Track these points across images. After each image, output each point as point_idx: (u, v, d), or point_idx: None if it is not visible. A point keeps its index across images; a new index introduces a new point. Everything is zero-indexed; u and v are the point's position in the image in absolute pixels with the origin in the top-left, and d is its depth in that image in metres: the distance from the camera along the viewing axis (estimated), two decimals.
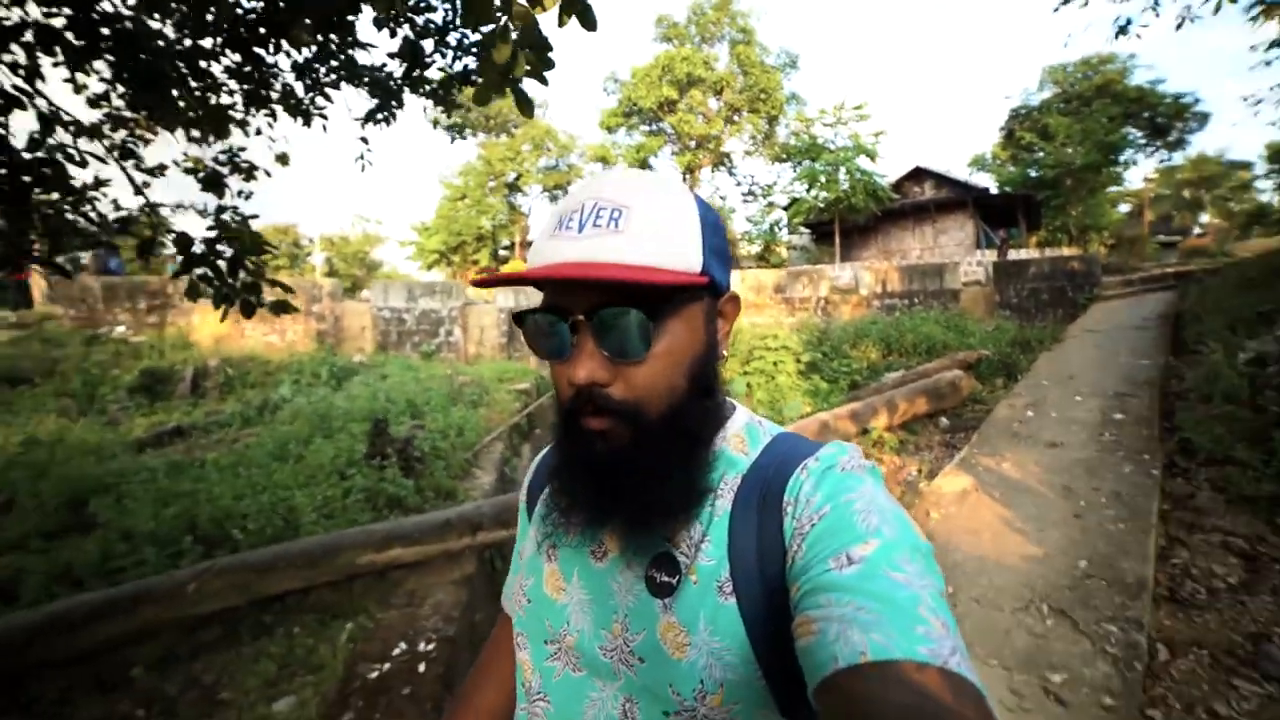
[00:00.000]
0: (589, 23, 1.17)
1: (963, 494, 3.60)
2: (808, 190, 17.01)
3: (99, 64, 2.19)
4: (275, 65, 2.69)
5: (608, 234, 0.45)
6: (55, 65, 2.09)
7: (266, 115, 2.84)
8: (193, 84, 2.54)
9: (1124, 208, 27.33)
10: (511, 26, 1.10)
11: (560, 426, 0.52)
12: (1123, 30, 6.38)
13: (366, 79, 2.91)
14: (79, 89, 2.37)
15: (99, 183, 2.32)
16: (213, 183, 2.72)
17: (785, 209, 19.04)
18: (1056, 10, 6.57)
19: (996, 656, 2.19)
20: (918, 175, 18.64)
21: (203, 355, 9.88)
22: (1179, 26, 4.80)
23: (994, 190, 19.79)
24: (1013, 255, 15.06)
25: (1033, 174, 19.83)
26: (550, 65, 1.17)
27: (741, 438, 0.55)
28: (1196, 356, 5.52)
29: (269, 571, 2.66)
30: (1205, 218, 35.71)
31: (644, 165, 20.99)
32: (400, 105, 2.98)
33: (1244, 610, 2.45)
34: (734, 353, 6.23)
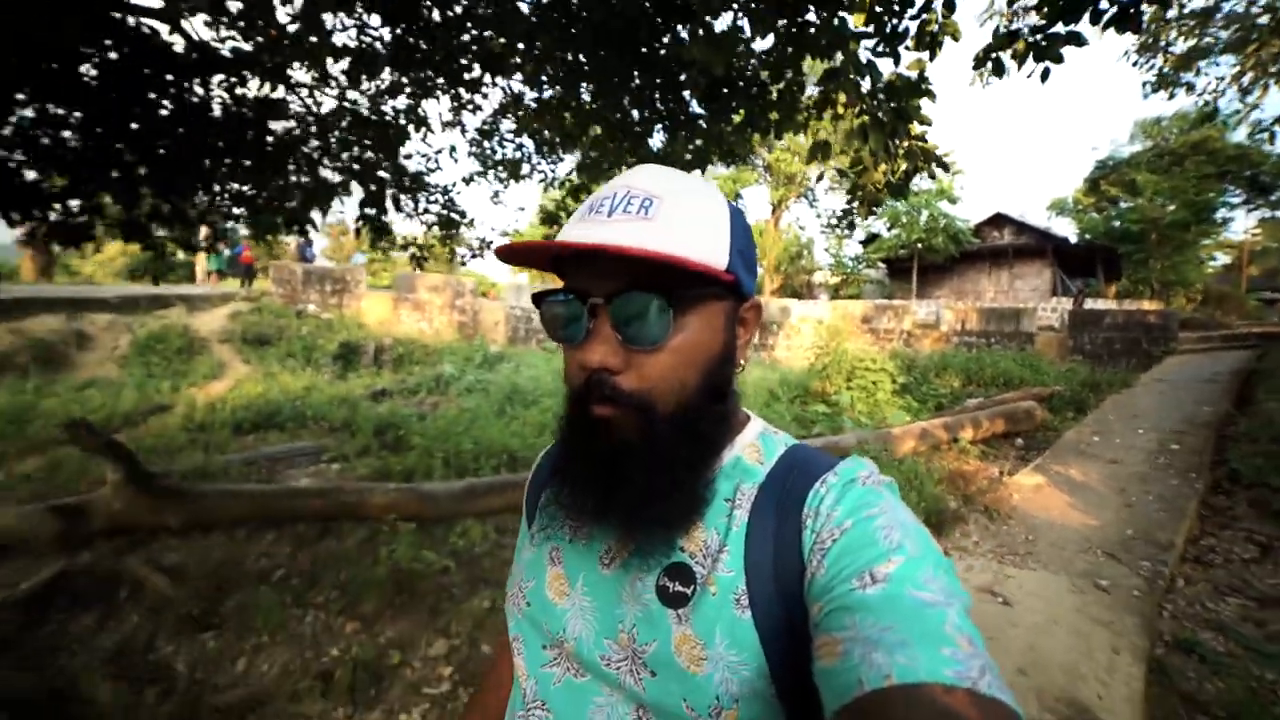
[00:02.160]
0: (930, 170, 2.51)
1: (1037, 487, 4.68)
2: (889, 229, 17.92)
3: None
4: None
5: (637, 220, 0.45)
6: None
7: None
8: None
9: (1222, 260, 26.11)
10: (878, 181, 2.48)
11: (566, 414, 0.51)
12: (1209, 118, 7.22)
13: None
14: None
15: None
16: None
17: (863, 244, 19.93)
18: (1146, 98, 7.46)
19: (1065, 571, 3.33)
20: (997, 221, 19.12)
21: (375, 334, 11.94)
22: (1251, 135, 5.66)
23: (1074, 237, 19.90)
24: (1089, 305, 15.37)
25: (1116, 225, 19.84)
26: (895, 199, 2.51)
27: (757, 447, 0.54)
28: (1256, 407, 6.29)
29: None
30: None
31: (736, 196, 22.39)
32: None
33: (1249, 571, 3.48)
34: (840, 369, 7.42)
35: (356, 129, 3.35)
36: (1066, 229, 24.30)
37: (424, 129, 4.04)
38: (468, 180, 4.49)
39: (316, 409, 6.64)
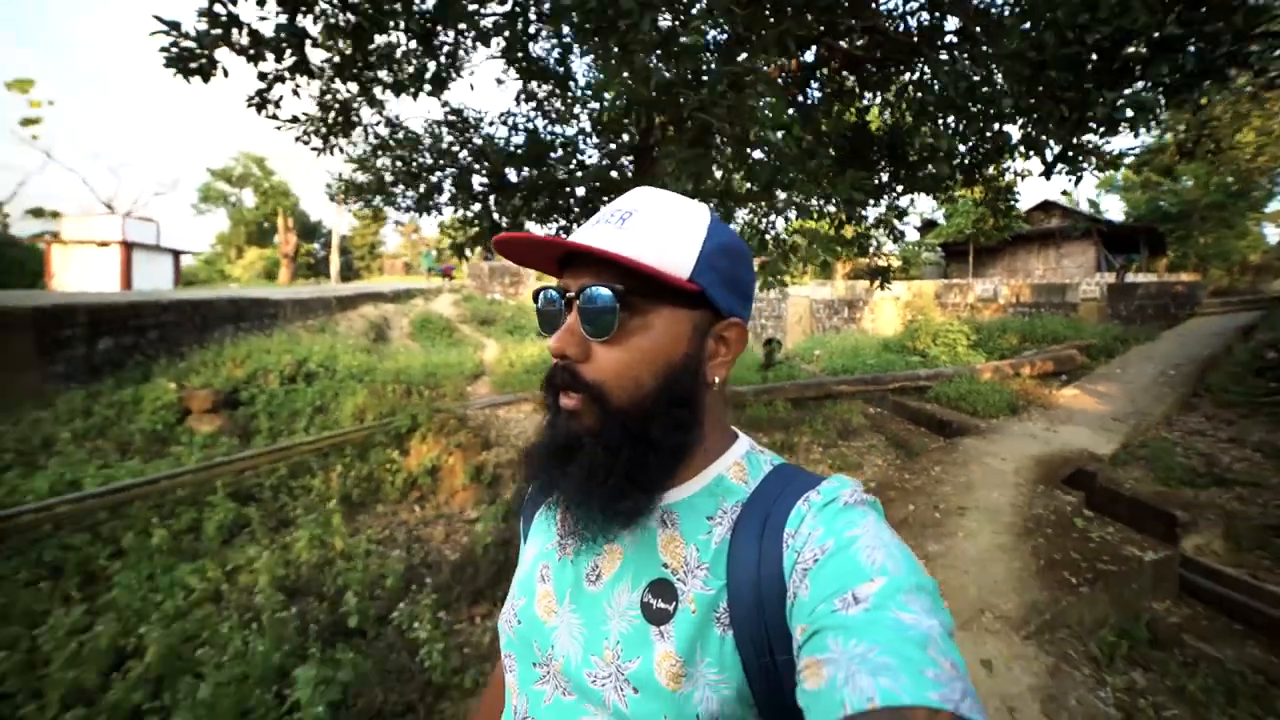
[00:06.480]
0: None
1: (1074, 395, 7.30)
2: (946, 218, 19.88)
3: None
4: None
5: (611, 228, 0.50)
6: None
7: None
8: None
9: None
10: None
11: (544, 400, 0.54)
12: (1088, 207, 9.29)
13: None
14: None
15: None
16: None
17: (920, 230, 21.84)
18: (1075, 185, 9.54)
19: (1088, 427, 6.01)
20: (1046, 207, 20.73)
21: None
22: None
23: (1120, 215, 21.20)
24: (1129, 278, 17.12)
25: (1160, 205, 21.06)
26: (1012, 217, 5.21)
27: (741, 465, 0.55)
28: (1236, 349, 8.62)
29: (830, 385, 7.07)
30: None
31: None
32: None
33: (1191, 426, 6.08)
34: (928, 331, 10.05)
35: None
36: (1114, 205, 25.32)
37: None
38: None
39: None
